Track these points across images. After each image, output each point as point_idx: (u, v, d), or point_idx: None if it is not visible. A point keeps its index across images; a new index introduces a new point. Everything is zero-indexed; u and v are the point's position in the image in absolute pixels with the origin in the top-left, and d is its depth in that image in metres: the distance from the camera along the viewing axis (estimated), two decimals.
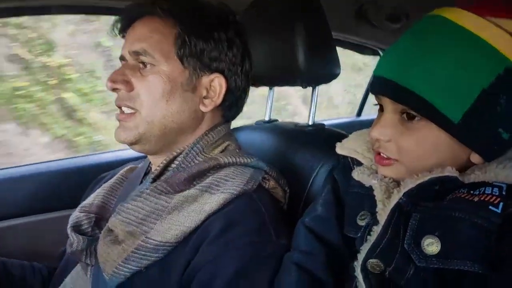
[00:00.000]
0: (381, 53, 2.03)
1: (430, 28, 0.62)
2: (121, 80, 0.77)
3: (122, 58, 0.81)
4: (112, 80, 0.77)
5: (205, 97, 0.82)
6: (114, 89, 0.78)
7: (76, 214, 0.87)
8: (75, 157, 1.39)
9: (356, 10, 1.62)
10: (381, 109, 0.67)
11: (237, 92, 0.85)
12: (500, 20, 0.59)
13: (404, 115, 0.62)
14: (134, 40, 0.78)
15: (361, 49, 1.99)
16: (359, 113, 2.24)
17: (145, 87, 0.77)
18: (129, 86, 0.77)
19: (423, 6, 1.51)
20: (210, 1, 0.84)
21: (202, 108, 0.82)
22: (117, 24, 0.82)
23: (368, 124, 0.69)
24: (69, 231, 0.84)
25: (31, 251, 1.15)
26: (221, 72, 0.81)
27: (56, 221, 1.23)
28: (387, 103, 0.64)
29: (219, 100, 0.82)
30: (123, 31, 0.82)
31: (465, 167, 0.64)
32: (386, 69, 0.64)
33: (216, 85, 0.81)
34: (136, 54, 0.77)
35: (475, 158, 0.62)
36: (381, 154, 0.66)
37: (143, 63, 0.78)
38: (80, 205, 0.91)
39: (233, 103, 0.86)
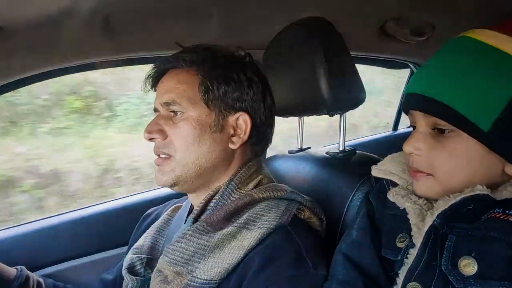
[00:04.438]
0: (411, 65, 2.02)
1: (457, 47, 0.66)
2: (156, 130, 0.85)
3: (155, 110, 0.89)
4: (148, 131, 0.85)
5: (232, 135, 0.87)
6: (150, 139, 0.86)
7: (129, 256, 0.94)
8: (122, 198, 1.47)
9: (380, 28, 1.63)
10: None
11: (262, 126, 0.90)
12: None
13: (436, 130, 0.65)
14: (164, 92, 0.86)
15: (391, 65, 1.99)
16: (395, 127, 2.21)
17: (177, 134, 0.84)
18: (164, 134, 0.85)
19: (448, 17, 1.51)
20: (228, 46, 0.91)
21: (231, 146, 0.87)
22: (148, 80, 0.90)
23: (406, 137, 0.70)
24: (123, 272, 0.91)
25: None
26: (245, 110, 0.87)
27: (110, 259, 1.30)
28: (419, 117, 0.67)
29: (246, 136, 0.87)
30: (154, 86, 0.91)
31: (500, 183, 0.64)
32: (417, 85, 0.67)
33: (241, 123, 0.87)
34: (167, 105, 0.85)
35: (510, 169, 0.63)
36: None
37: (173, 111, 0.85)
38: (133, 247, 0.97)
39: (260, 137, 0.91)
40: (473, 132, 0.61)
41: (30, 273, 1.05)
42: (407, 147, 0.68)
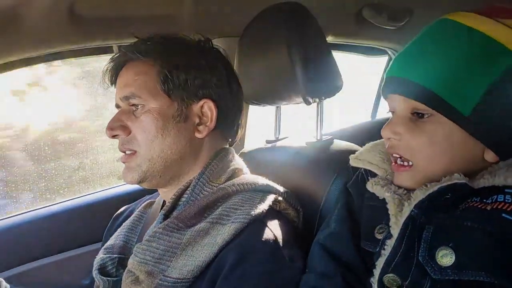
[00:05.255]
0: (389, 52, 2.01)
1: (438, 29, 0.64)
2: (118, 126, 0.81)
3: (117, 105, 0.86)
4: (110, 128, 0.81)
5: (198, 124, 0.84)
6: (113, 136, 0.82)
7: (100, 256, 0.90)
8: (95, 192, 1.43)
9: (357, 14, 1.60)
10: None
11: (230, 113, 0.87)
12: (507, 20, 0.61)
13: (415, 114, 0.64)
14: (123, 86, 0.83)
15: (368, 51, 1.97)
16: (373, 115, 2.21)
17: (139, 128, 0.81)
18: (127, 130, 0.82)
19: (427, 1, 1.49)
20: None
21: (198, 135, 0.84)
22: (106, 76, 0.86)
23: (384, 123, 0.68)
24: (94, 274, 0.87)
25: None
26: (209, 97, 0.84)
27: (84, 256, 1.27)
28: (398, 102, 0.65)
29: (212, 124, 0.84)
30: (114, 81, 0.87)
31: (478, 171, 0.63)
32: (396, 68, 0.66)
33: (206, 110, 0.84)
34: (126, 99, 0.82)
35: (489, 155, 0.62)
36: (398, 162, 0.67)
37: (134, 105, 0.81)
38: (104, 247, 0.93)
39: (229, 124, 0.88)
40: (453, 116, 0.60)
41: None
42: (385, 132, 0.66)
